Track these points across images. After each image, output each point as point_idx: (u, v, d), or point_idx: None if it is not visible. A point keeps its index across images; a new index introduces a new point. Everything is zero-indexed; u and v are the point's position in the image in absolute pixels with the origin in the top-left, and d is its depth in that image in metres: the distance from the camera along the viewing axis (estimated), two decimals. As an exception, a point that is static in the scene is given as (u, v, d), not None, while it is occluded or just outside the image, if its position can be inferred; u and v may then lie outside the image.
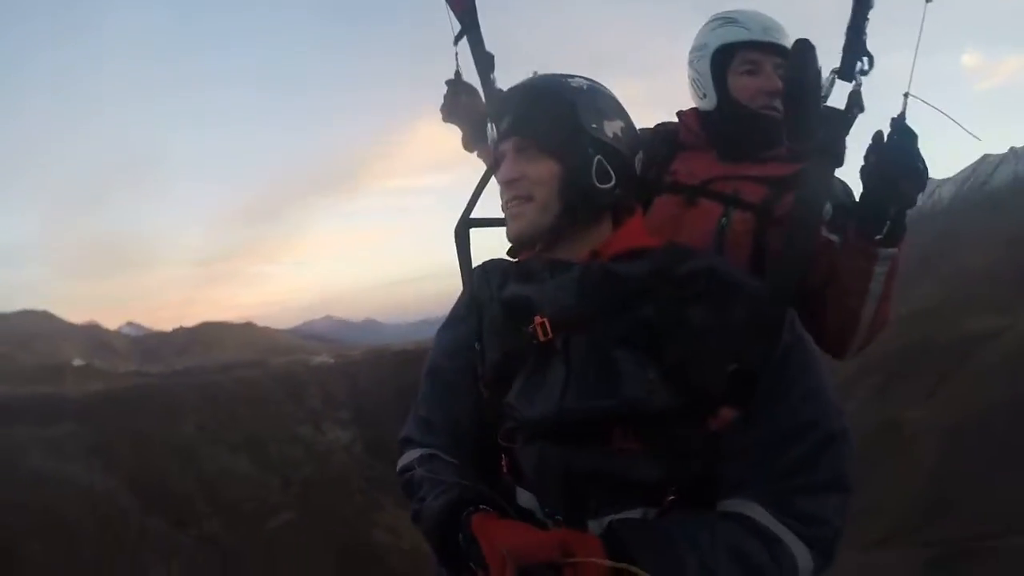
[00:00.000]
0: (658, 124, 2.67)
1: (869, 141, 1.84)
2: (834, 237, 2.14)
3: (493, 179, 1.95)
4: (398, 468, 1.99)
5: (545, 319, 1.72)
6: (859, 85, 2.02)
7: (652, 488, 1.65)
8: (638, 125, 2.01)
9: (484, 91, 2.57)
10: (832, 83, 2.11)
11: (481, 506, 1.65)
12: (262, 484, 37.64)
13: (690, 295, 1.68)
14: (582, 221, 1.80)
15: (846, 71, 2.02)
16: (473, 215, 2.40)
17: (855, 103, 2.02)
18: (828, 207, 2.13)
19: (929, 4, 1.94)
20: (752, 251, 2.23)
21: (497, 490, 1.72)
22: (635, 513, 1.65)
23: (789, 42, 2.28)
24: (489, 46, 2.55)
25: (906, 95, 1.85)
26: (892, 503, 24.51)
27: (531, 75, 1.91)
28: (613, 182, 1.77)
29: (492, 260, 2.08)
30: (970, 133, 2.12)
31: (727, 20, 2.40)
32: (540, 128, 1.77)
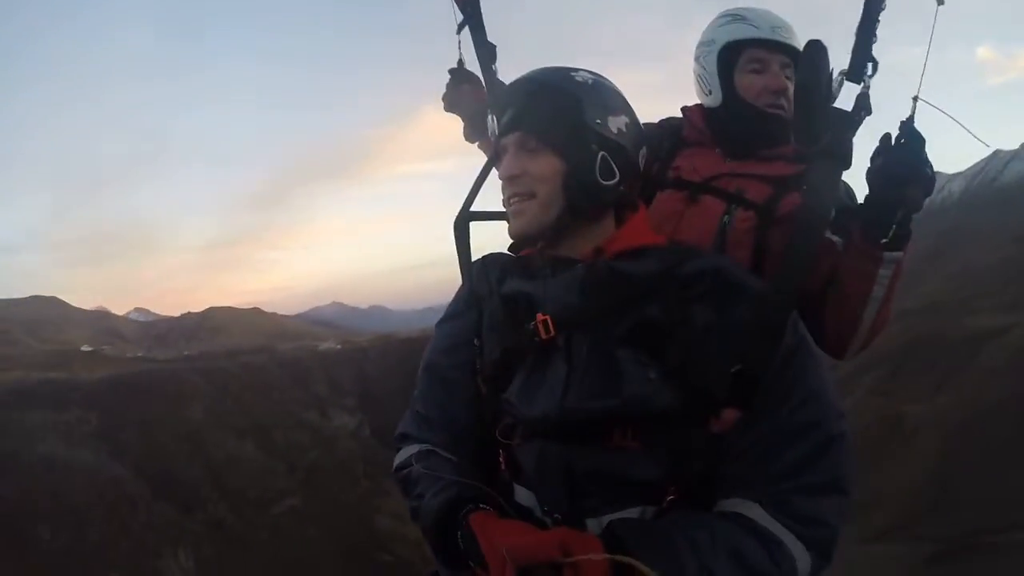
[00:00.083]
0: (662, 119, 2.63)
1: (875, 143, 1.85)
2: (836, 238, 2.15)
3: (493, 171, 1.90)
4: (395, 465, 1.95)
5: (547, 317, 1.69)
6: (867, 87, 2.03)
7: (652, 488, 1.63)
8: (656, 114, 2.00)
9: (485, 82, 2.52)
10: (840, 84, 2.13)
11: (480, 505, 1.63)
12: (268, 470, 37.72)
13: (694, 295, 1.66)
14: (585, 218, 1.75)
15: (855, 73, 2.03)
16: (473, 208, 2.32)
17: (862, 105, 2.03)
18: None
19: (941, 7, 1.96)
20: (753, 250, 2.22)
21: (494, 487, 1.70)
22: (634, 512, 1.63)
23: (797, 42, 2.32)
24: (497, 34, 2.50)
25: (915, 98, 1.87)
26: (894, 497, 24.39)
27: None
28: (617, 179, 1.72)
29: (492, 254, 2.06)
30: (978, 139, 2.12)
31: (736, 17, 2.36)
32: (543, 123, 1.71)
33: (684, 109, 2.54)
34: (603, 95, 1.74)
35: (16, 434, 30.90)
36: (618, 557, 1.38)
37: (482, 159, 2.31)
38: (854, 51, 2.02)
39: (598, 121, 1.69)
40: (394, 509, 35.60)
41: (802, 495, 1.56)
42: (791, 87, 2.34)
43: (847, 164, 1.95)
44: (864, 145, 2.01)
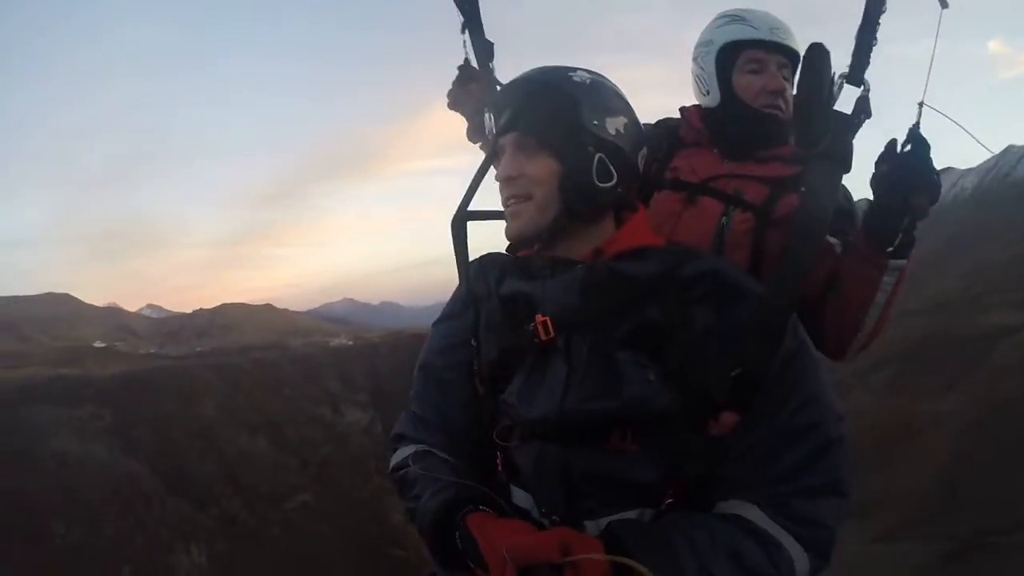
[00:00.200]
0: (659, 120, 2.63)
1: (872, 145, 1.86)
2: (835, 241, 2.15)
3: (492, 171, 1.90)
4: (391, 466, 1.95)
5: (547, 318, 1.69)
6: (867, 90, 2.06)
7: (650, 490, 1.63)
8: (659, 112, 2.00)
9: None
10: (840, 87, 2.16)
11: (479, 505, 1.63)
12: (280, 465, 37.79)
13: (694, 297, 1.65)
14: (583, 220, 1.74)
15: (855, 76, 2.07)
16: (472, 207, 2.32)
17: (862, 108, 2.07)
18: None
19: (945, 9, 2.00)
20: (751, 251, 2.22)
21: (491, 488, 1.69)
22: (632, 515, 1.63)
23: (795, 43, 2.32)
24: (500, 31, 2.50)
25: (920, 104, 1.87)
26: (905, 496, 24.23)
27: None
28: (615, 180, 1.71)
29: (490, 254, 2.04)
30: (982, 144, 2.14)
31: (734, 18, 2.35)
32: (540, 125, 1.70)
33: (682, 109, 2.55)
34: (601, 96, 1.73)
35: (29, 430, 31.05)
36: (618, 558, 1.38)
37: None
38: (854, 54, 2.04)
39: (595, 122, 1.68)
40: (406, 505, 35.32)
41: (801, 497, 1.57)
42: (789, 88, 2.34)
43: (847, 167, 1.99)
44: (863, 148, 2.03)
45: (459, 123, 2.52)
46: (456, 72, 2.53)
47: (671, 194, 2.34)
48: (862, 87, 2.06)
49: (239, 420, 39.12)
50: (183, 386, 39.86)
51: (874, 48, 2.06)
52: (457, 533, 1.58)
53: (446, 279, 2.21)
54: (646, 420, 1.60)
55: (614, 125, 1.71)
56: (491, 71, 2.47)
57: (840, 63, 2.15)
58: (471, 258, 2.15)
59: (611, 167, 1.70)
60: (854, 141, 2.06)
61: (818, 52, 2.22)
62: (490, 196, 1.89)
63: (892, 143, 1.87)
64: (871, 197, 1.96)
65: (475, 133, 2.49)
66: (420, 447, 1.89)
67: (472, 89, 2.48)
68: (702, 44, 2.40)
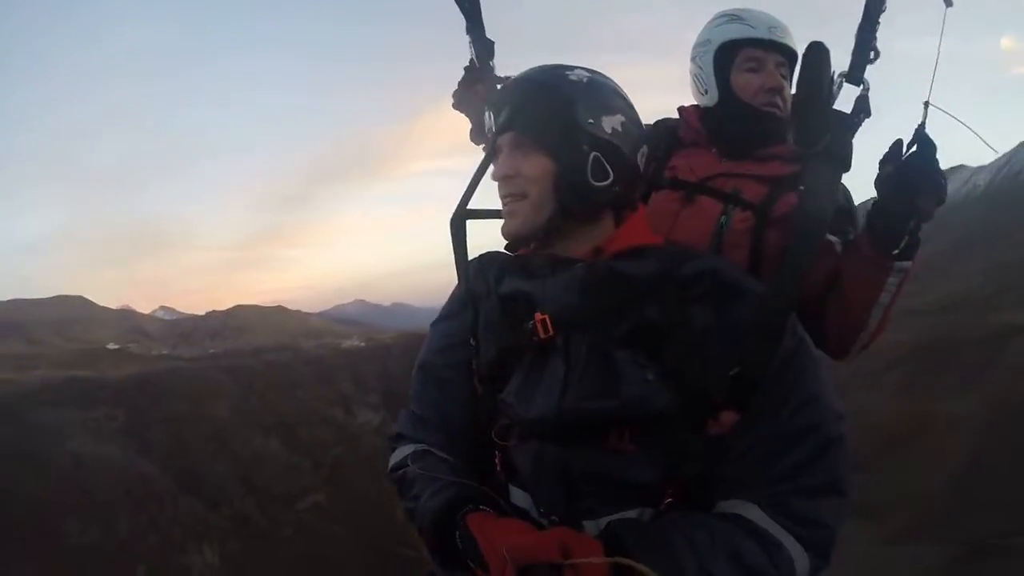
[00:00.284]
0: (658, 120, 2.66)
1: (872, 144, 1.90)
2: (835, 239, 2.18)
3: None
4: (390, 466, 1.97)
5: (546, 316, 1.71)
6: (866, 89, 2.10)
7: (649, 490, 1.65)
8: (666, 111, 2.02)
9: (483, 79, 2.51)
10: (840, 86, 2.19)
11: (479, 505, 1.64)
12: (293, 466, 37.74)
13: (693, 296, 1.67)
14: (579, 219, 1.76)
15: (855, 75, 2.10)
16: (474, 206, 2.35)
17: (862, 107, 2.10)
18: None
19: (950, 8, 2.01)
20: (750, 251, 2.24)
21: (490, 488, 1.72)
22: (631, 514, 1.65)
23: (792, 42, 2.35)
24: (506, 29, 2.52)
25: (926, 104, 1.90)
26: (919, 497, 24.01)
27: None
28: (611, 179, 1.73)
29: (489, 253, 2.05)
30: (988, 144, 2.15)
31: (732, 17, 2.38)
32: (535, 124, 1.73)
33: (680, 109, 2.58)
34: (598, 94, 1.75)
35: (44, 431, 31.05)
36: (618, 559, 1.41)
37: None
38: (854, 53, 2.08)
39: (591, 121, 1.70)
40: (418, 505, 35.21)
41: (801, 497, 1.58)
42: (787, 86, 2.36)
43: (846, 166, 2.03)
44: (867, 147, 2.09)
45: (469, 124, 2.53)
46: (461, 73, 2.53)
47: (669, 193, 2.37)
48: (862, 86, 2.09)
49: (252, 421, 39.07)
50: (196, 387, 39.84)
51: (874, 47, 2.09)
52: (457, 533, 1.60)
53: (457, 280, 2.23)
54: (645, 419, 1.62)
55: (610, 123, 1.73)
56: (492, 70, 2.48)
57: (841, 62, 2.18)
58: (471, 257, 2.16)
59: (607, 165, 1.72)
60: (854, 140, 2.09)
61: (817, 50, 2.23)
62: (492, 195, 1.90)
63: (898, 143, 1.89)
64: (874, 197, 1.97)
65: (477, 134, 2.51)
66: (419, 446, 1.92)
67: (477, 90, 2.51)
68: (700, 44, 2.43)
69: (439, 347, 2.00)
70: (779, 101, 2.36)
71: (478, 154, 2.41)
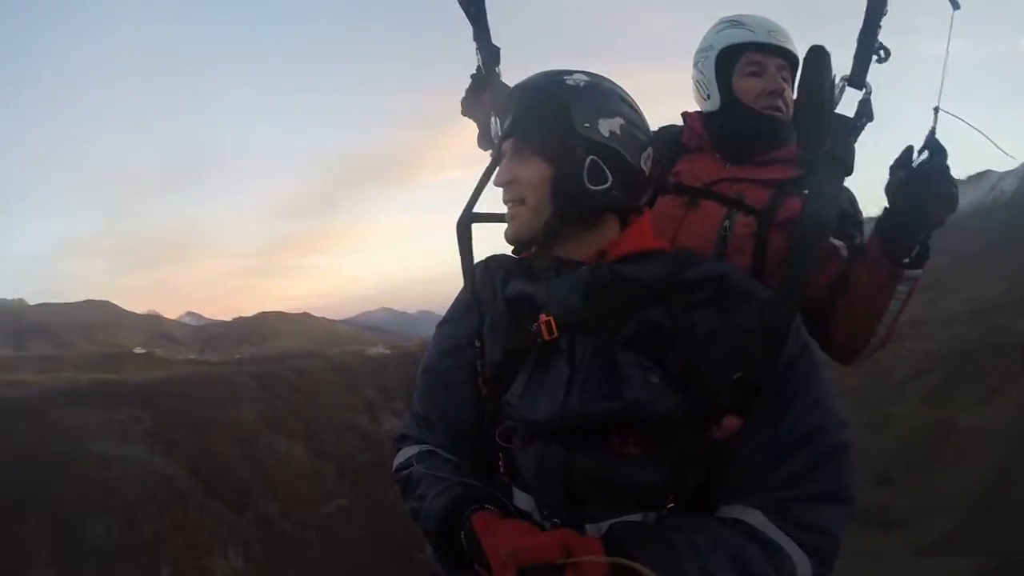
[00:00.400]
0: (661, 127, 2.66)
1: (875, 148, 1.86)
2: (839, 243, 2.17)
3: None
4: (394, 466, 2.00)
5: (551, 318, 1.72)
6: (868, 93, 2.05)
7: (652, 493, 1.64)
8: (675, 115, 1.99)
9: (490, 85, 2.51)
10: (842, 90, 2.17)
11: (485, 505, 1.66)
12: (318, 471, 37.93)
13: (697, 301, 1.68)
14: (578, 223, 1.77)
15: (857, 79, 2.06)
16: (483, 210, 2.30)
17: (864, 112, 2.06)
18: None
19: (957, 11, 1.99)
20: (753, 255, 2.24)
21: (494, 490, 1.74)
22: (634, 518, 1.64)
23: (793, 46, 2.34)
24: (517, 33, 2.45)
25: (936, 109, 1.87)
26: (945, 508, 23.95)
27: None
28: (609, 183, 1.73)
29: (495, 256, 2.07)
30: (1002, 150, 2.16)
31: (733, 23, 2.40)
32: (533, 130, 1.75)
33: (684, 115, 2.59)
34: (595, 97, 1.75)
35: (71, 433, 31.49)
36: (619, 559, 1.41)
37: None
38: (856, 57, 2.03)
39: (586, 125, 1.70)
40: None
41: (803, 503, 1.58)
42: (789, 90, 2.35)
43: (849, 171, 2.00)
44: (865, 151, 2.05)
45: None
46: (470, 80, 2.54)
47: (673, 198, 2.38)
48: (864, 90, 2.05)
49: (278, 426, 39.38)
50: (222, 392, 40.27)
51: (882, 47, 2.04)
52: (462, 533, 1.61)
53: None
54: (648, 423, 1.62)
55: (608, 127, 1.72)
56: (498, 76, 2.48)
57: (846, 65, 2.13)
58: (477, 260, 2.17)
59: (605, 169, 1.72)
60: (856, 145, 2.07)
61: (818, 54, 2.27)
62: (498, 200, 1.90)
63: (909, 149, 1.89)
64: (883, 203, 1.97)
65: (484, 140, 2.52)
66: (424, 447, 1.94)
67: (484, 97, 2.50)
68: (702, 50, 2.46)
69: (444, 349, 2.03)
70: (781, 104, 2.37)
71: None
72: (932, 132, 1.87)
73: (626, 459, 1.63)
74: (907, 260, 1.98)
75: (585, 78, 1.76)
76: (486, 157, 2.17)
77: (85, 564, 25.47)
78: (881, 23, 2.01)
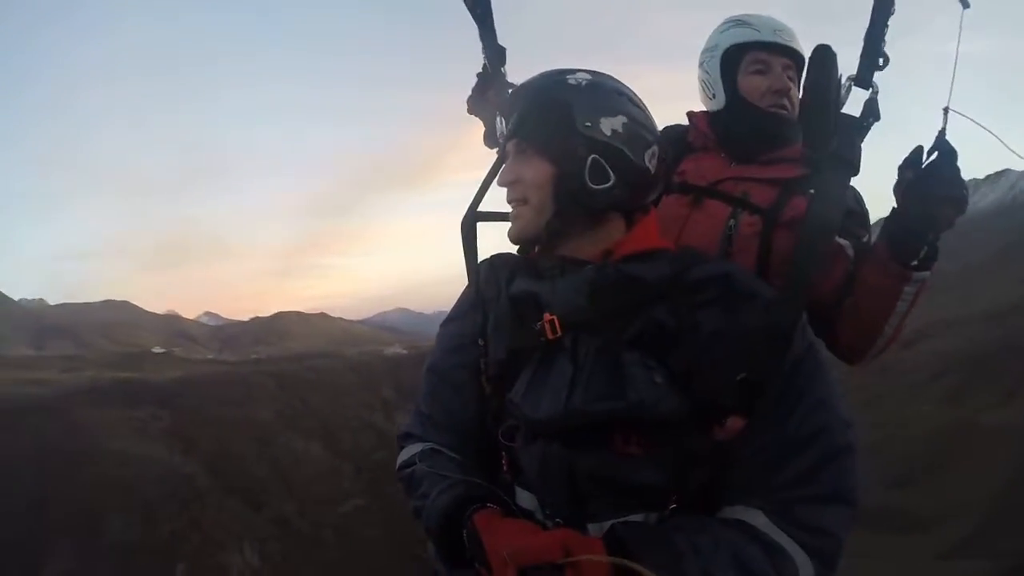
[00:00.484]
0: (667, 126, 2.64)
1: (878, 147, 1.86)
2: (845, 243, 2.17)
3: None
4: (398, 464, 1.98)
5: (555, 317, 1.70)
6: (875, 93, 2.05)
7: (654, 493, 1.63)
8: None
9: (496, 85, 2.49)
10: (848, 90, 2.17)
11: (487, 503, 1.66)
12: (335, 470, 38.05)
13: (702, 300, 1.66)
14: (582, 222, 1.76)
15: (863, 79, 2.05)
16: (488, 209, 2.31)
17: (871, 111, 2.06)
18: None
19: (967, 10, 1.98)
20: (758, 254, 2.23)
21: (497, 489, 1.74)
22: (636, 518, 1.63)
23: (798, 45, 2.35)
24: (532, 32, 2.47)
25: (945, 110, 1.87)
26: (965, 510, 23.71)
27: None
28: (611, 182, 1.71)
29: (500, 255, 2.05)
30: (1013, 151, 2.08)
31: (738, 22, 2.40)
32: (534, 130, 1.74)
33: (689, 114, 2.58)
34: (597, 96, 1.73)
35: (90, 430, 31.71)
36: (619, 559, 1.41)
37: None
38: (862, 56, 2.03)
39: (588, 124, 1.69)
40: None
41: (806, 504, 1.57)
42: (794, 89, 2.36)
43: (855, 171, 1.98)
44: (872, 151, 2.04)
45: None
46: (476, 78, 2.53)
47: (678, 197, 2.37)
48: (871, 90, 2.05)
49: (295, 425, 39.48)
50: (240, 391, 40.45)
51: (883, 53, 2.04)
52: (464, 531, 1.61)
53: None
54: (651, 423, 1.61)
55: (610, 125, 1.71)
56: (503, 76, 2.47)
57: (853, 64, 2.12)
58: (482, 258, 2.17)
59: (607, 168, 1.71)
60: (863, 145, 2.06)
61: (824, 54, 2.27)
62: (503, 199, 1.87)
63: (918, 150, 1.89)
64: (891, 203, 1.98)
65: (490, 139, 2.49)
66: (427, 445, 1.93)
67: (489, 96, 2.49)
68: (707, 49, 2.46)
69: (448, 348, 2.02)
70: (786, 103, 2.36)
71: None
72: (942, 133, 1.87)
73: (629, 459, 1.62)
74: (915, 262, 1.97)
75: (588, 77, 1.75)
76: (501, 157, 2.19)
77: (104, 560, 25.63)
78: (888, 23, 2.01)
